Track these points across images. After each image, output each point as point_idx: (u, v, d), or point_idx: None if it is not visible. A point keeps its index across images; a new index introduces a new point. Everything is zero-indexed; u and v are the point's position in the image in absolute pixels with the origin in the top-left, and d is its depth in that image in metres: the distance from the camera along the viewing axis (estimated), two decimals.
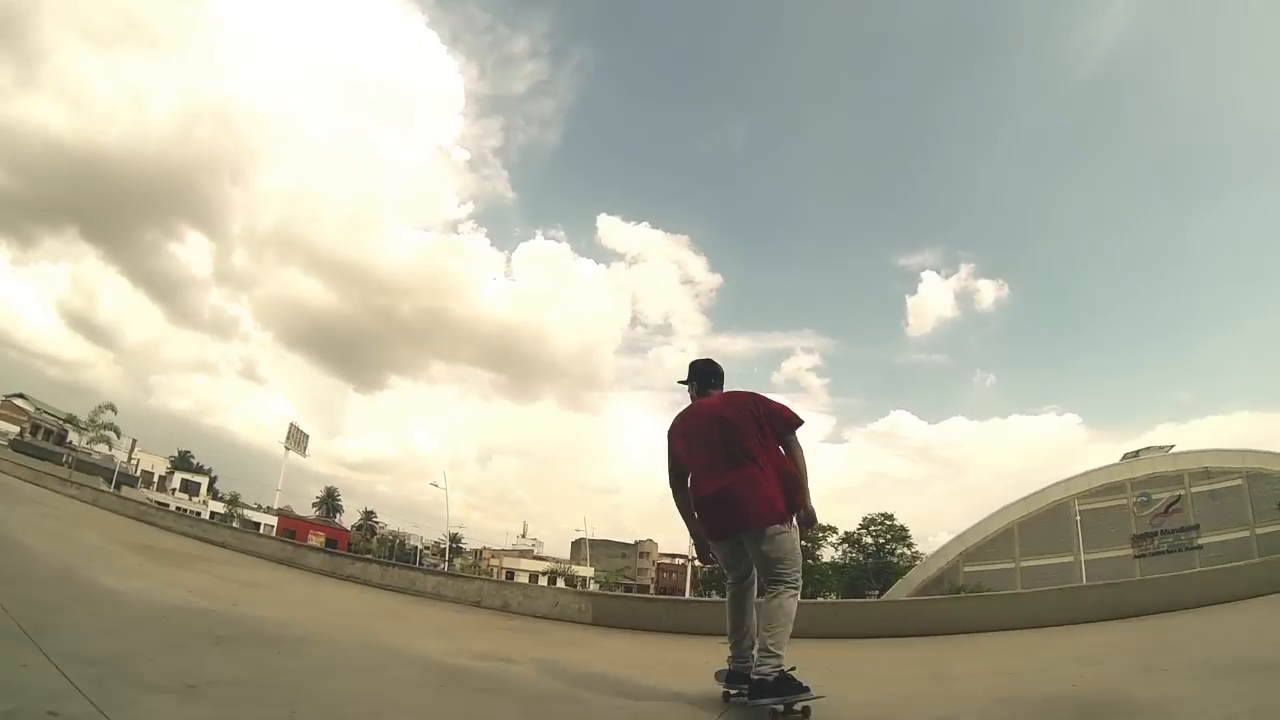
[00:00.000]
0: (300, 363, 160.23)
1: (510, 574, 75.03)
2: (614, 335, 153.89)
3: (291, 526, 65.60)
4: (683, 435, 3.36)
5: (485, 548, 78.24)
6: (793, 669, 2.77)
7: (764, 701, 2.73)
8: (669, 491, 3.42)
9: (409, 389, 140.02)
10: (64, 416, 33.03)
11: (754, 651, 3.06)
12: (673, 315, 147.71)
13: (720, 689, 3.18)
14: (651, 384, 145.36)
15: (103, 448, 41.38)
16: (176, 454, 69.17)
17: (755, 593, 3.30)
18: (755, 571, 3.22)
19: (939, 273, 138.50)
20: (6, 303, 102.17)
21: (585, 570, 79.18)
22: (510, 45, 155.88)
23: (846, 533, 60.35)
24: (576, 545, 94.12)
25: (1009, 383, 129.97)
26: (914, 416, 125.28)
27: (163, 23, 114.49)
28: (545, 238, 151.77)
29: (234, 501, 62.34)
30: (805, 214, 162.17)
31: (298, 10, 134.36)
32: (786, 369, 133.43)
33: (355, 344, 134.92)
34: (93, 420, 31.47)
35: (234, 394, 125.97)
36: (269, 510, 62.71)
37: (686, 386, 3.64)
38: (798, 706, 2.69)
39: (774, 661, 2.77)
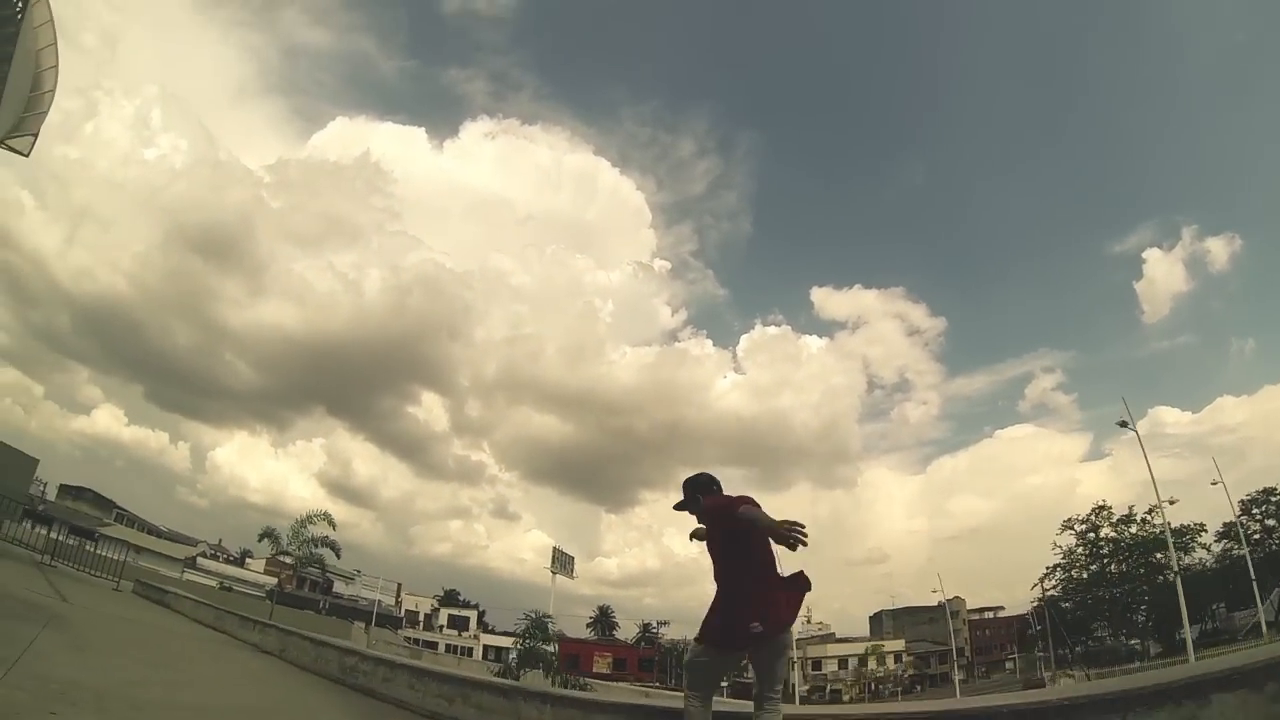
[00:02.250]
0: (549, 494, 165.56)
1: (818, 663, 67.91)
2: (853, 404, 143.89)
3: (574, 651, 60.68)
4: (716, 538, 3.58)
5: None
6: None
7: None
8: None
9: (660, 500, 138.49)
10: (262, 532, 27.64)
11: None
12: (907, 370, 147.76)
13: None
14: (899, 444, 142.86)
15: (344, 577, 37.60)
16: (442, 593, 67.14)
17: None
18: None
19: (1160, 247, 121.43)
20: (274, 480, 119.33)
21: (896, 644, 71.25)
22: (677, 150, 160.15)
23: (1225, 524, 44.44)
24: (875, 619, 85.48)
25: (1272, 343, 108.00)
26: (1175, 409, 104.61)
27: (358, 215, 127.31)
28: (764, 324, 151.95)
29: (535, 630, 29.94)
30: (1005, 231, 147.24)
31: (473, 173, 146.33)
32: (1030, 395, 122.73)
33: (599, 468, 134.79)
34: (296, 533, 25.15)
35: (490, 533, 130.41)
36: None
37: (686, 510, 3.73)
38: None
39: None
